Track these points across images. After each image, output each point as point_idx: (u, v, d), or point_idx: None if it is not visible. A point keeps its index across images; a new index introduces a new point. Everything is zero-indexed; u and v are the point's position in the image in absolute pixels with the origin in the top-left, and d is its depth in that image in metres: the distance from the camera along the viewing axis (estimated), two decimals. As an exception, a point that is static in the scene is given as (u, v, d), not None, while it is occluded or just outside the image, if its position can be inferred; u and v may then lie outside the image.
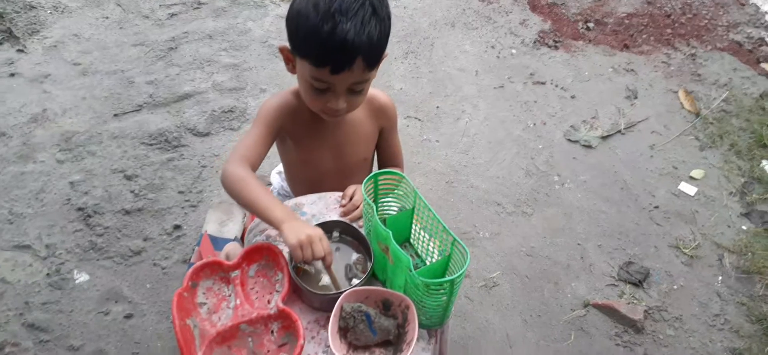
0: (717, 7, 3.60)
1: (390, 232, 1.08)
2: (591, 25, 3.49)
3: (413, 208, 1.23)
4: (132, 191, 2.34)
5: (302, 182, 1.23)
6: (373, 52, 1.18)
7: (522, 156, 2.61)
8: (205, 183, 2.39)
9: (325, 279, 1.19)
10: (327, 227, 1.29)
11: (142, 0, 3.41)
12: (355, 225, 1.27)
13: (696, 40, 3.37)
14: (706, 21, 3.51)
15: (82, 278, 2.07)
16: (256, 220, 1.40)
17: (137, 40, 3.12)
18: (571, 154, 2.63)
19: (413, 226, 1.28)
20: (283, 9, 3.37)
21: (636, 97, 2.96)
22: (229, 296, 1.19)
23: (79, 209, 2.27)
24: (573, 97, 2.94)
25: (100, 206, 2.28)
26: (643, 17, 3.51)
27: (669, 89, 3.01)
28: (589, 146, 2.67)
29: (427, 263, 1.24)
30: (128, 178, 2.39)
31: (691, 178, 2.54)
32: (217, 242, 2.06)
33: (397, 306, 1.12)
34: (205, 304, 1.17)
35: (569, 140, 2.70)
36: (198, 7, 3.38)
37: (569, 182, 2.51)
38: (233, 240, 2.06)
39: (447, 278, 1.04)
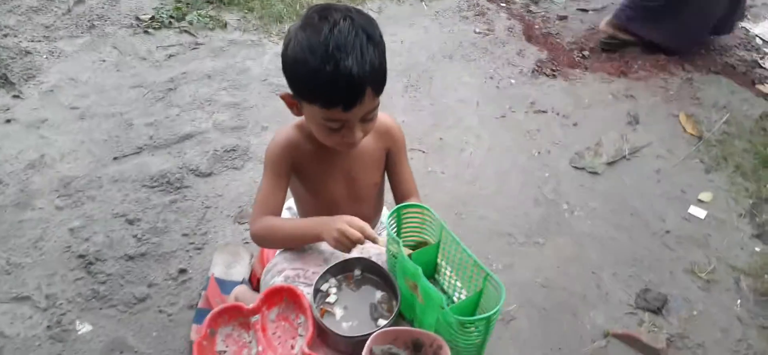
0: (708, 32, 3.64)
1: (419, 268, 1.04)
2: (586, 53, 3.52)
3: (439, 242, 1.19)
4: (134, 236, 2.28)
5: (315, 213, 1.22)
6: (378, 79, 1.17)
7: (529, 185, 2.59)
8: (210, 224, 2.34)
9: (349, 326, 1.14)
10: (348, 265, 1.25)
11: (139, 42, 3.40)
12: (376, 262, 1.23)
13: (690, 65, 3.41)
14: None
15: (84, 328, 1.99)
16: (273, 260, 1.36)
17: (135, 82, 3.09)
18: (578, 181, 2.61)
19: (438, 260, 1.24)
20: (281, 47, 3.36)
21: (638, 122, 2.96)
22: (250, 342, 1.13)
23: (80, 256, 2.20)
24: (575, 124, 2.94)
25: (102, 253, 2.21)
26: (635, 44, 3.53)
27: (670, 113, 3.02)
28: (595, 173, 2.65)
29: (456, 300, 1.19)
30: (130, 222, 2.33)
31: (700, 201, 2.53)
32: (225, 285, 2.00)
33: (429, 346, 1.07)
34: (225, 352, 1.12)
35: (575, 167, 2.68)
36: (196, 48, 3.37)
37: (578, 209, 2.48)
38: (241, 282, 2.00)
39: (482, 315, 1.00)
